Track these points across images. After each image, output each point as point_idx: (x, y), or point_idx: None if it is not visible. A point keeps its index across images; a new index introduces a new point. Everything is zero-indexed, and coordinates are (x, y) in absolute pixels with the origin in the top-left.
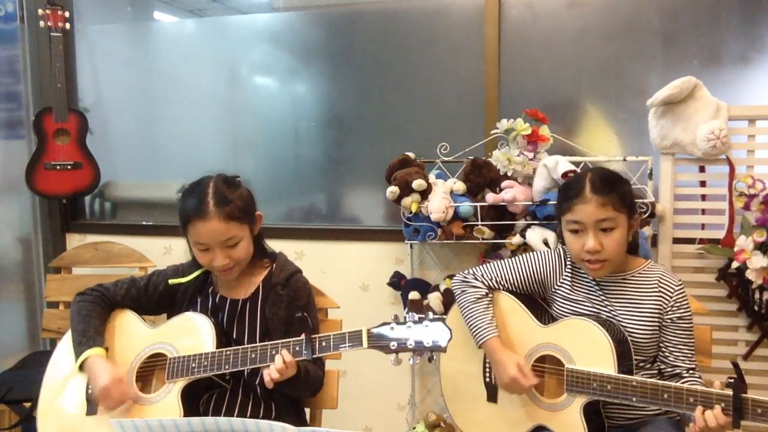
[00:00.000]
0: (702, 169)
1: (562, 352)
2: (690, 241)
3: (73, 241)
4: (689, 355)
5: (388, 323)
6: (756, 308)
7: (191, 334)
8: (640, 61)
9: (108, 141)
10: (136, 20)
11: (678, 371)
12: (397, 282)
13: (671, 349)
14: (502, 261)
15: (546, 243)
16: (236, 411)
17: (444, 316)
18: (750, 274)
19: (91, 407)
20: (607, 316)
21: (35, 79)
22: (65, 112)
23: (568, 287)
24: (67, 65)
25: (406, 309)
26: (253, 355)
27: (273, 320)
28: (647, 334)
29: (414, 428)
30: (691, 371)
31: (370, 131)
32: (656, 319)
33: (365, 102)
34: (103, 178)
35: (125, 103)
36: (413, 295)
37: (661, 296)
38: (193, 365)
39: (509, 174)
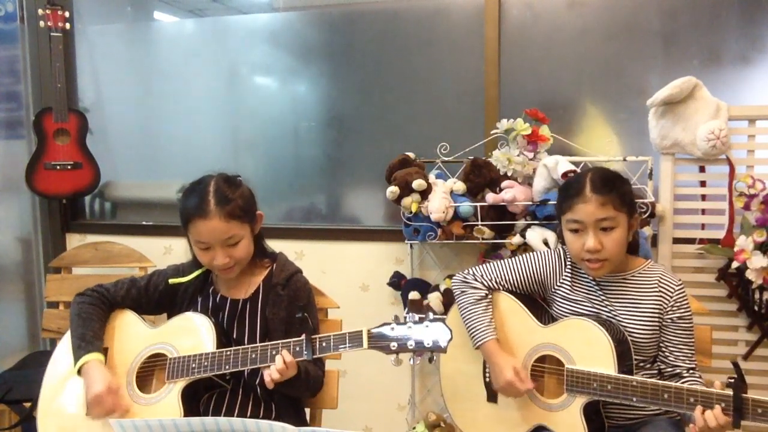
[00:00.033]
0: (702, 169)
1: (562, 352)
2: (690, 241)
3: (73, 241)
4: (689, 355)
5: (389, 323)
6: (756, 308)
7: (191, 334)
8: (640, 61)
9: (108, 141)
10: (136, 20)
11: (678, 371)
12: (397, 282)
13: (671, 349)
14: (501, 261)
15: (546, 243)
16: (236, 411)
17: (444, 317)
18: (750, 274)
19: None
20: (607, 316)
21: (35, 79)
22: (65, 112)
23: (568, 287)
24: (67, 65)
25: (406, 309)
26: (254, 356)
27: (273, 320)
28: (647, 334)
29: (414, 428)
30: (691, 371)
31: (370, 131)
32: (656, 319)
33: (365, 102)
34: (103, 178)
35: (125, 103)
36: (413, 295)
37: (661, 296)
38: (194, 365)
39: (509, 174)
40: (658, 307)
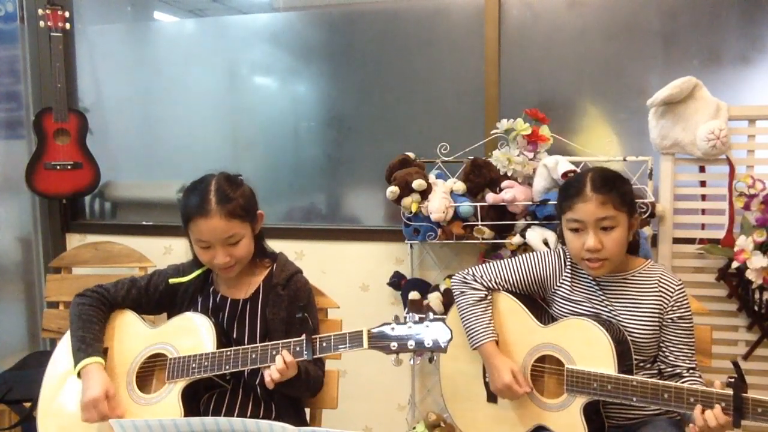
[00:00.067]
0: (702, 169)
1: (562, 352)
2: (690, 241)
3: (73, 241)
4: (689, 355)
5: (389, 323)
6: (756, 308)
7: (191, 334)
8: (640, 61)
9: (108, 141)
10: (136, 20)
11: (678, 371)
12: (397, 282)
13: (671, 348)
14: (501, 261)
15: (546, 243)
16: (236, 411)
17: (444, 317)
18: (750, 274)
19: None
20: (607, 316)
21: (35, 79)
22: (65, 112)
23: (568, 287)
24: (67, 65)
25: (406, 309)
26: (254, 356)
27: (273, 321)
28: (647, 334)
29: (414, 428)
30: (691, 371)
31: (370, 131)
32: (656, 319)
33: (365, 102)
34: (103, 178)
35: (125, 103)
36: (413, 295)
37: (661, 296)
38: (194, 365)
39: (509, 174)
40: (658, 307)
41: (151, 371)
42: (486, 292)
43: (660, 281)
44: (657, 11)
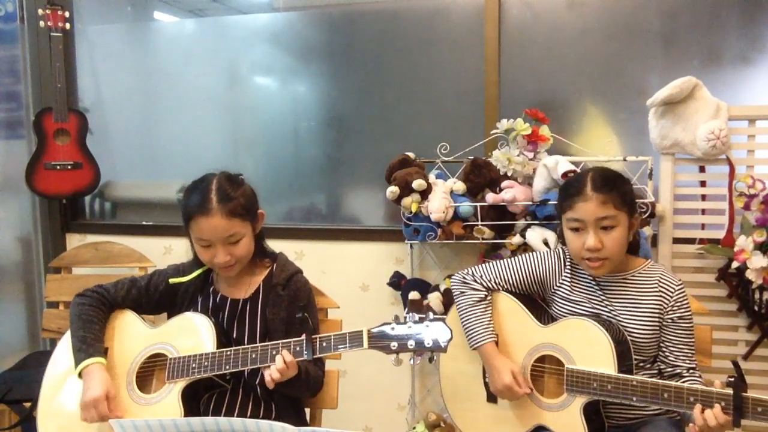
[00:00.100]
0: (702, 169)
1: (562, 352)
2: (690, 241)
3: (73, 241)
4: (689, 355)
5: (389, 323)
6: (756, 308)
7: (191, 334)
8: (640, 61)
9: (108, 141)
10: (136, 20)
11: (678, 371)
12: (397, 282)
13: (671, 348)
14: (501, 261)
15: (546, 243)
16: (236, 411)
17: (444, 316)
18: (750, 274)
19: None
20: (607, 316)
21: (35, 79)
22: (65, 112)
23: (568, 287)
24: (67, 65)
25: (406, 309)
26: (254, 356)
27: (273, 321)
28: (647, 334)
29: (414, 428)
30: (691, 371)
31: (370, 131)
32: (656, 319)
33: (365, 102)
34: (103, 178)
35: (125, 103)
36: (413, 295)
37: (661, 296)
38: (194, 365)
39: (509, 174)
40: (658, 307)
41: (151, 371)
42: (486, 293)
43: (660, 281)
44: (657, 11)
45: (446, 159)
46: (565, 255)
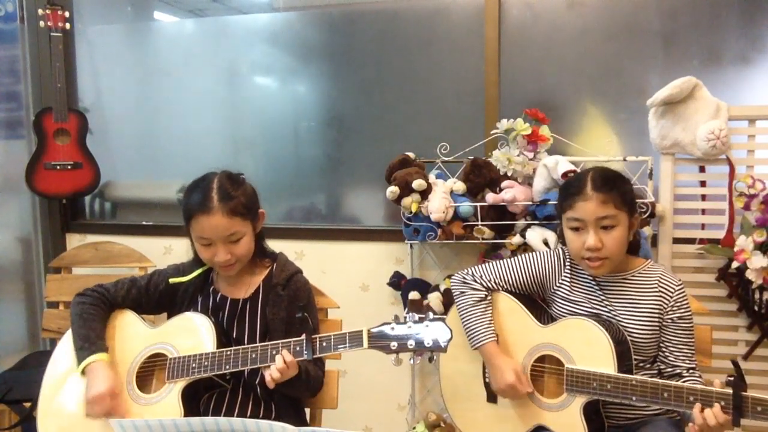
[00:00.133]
0: (702, 169)
1: (561, 352)
2: (690, 241)
3: (73, 241)
4: (689, 355)
5: (389, 323)
6: (756, 308)
7: (191, 334)
8: (640, 61)
9: (108, 141)
10: (136, 20)
11: (678, 371)
12: (397, 282)
13: (671, 349)
14: (501, 261)
15: (546, 243)
16: (236, 411)
17: (444, 316)
18: (750, 274)
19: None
20: (607, 316)
21: (35, 79)
22: (65, 112)
23: (568, 287)
24: (67, 65)
25: (406, 309)
26: (254, 356)
27: (273, 320)
28: (647, 334)
29: (414, 428)
30: (691, 371)
31: (370, 131)
32: (656, 319)
33: (365, 102)
34: (103, 178)
35: (125, 103)
36: (413, 295)
37: (661, 296)
38: (194, 365)
39: (509, 174)
40: (658, 307)
41: (151, 371)
42: (486, 292)
43: (660, 281)
44: (657, 11)
45: (446, 159)
46: (564, 255)
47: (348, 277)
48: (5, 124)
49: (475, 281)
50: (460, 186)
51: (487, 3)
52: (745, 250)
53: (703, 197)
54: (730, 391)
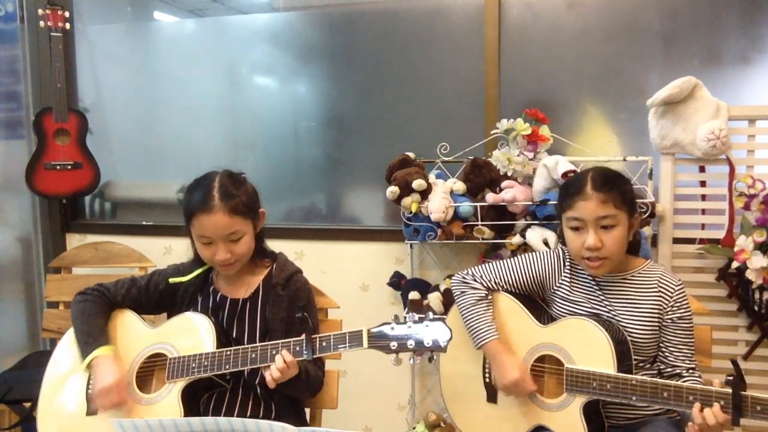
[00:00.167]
0: (702, 169)
1: (561, 352)
2: (690, 241)
3: (73, 241)
4: (689, 355)
5: (388, 323)
6: (756, 308)
7: (191, 334)
8: (640, 61)
9: (108, 141)
10: (136, 20)
11: (678, 371)
12: (397, 282)
13: (671, 349)
14: (501, 261)
15: (546, 243)
16: (236, 411)
17: (444, 316)
18: (750, 274)
19: (91, 407)
20: (607, 316)
21: (35, 79)
22: (65, 112)
23: (567, 288)
24: (67, 65)
25: (406, 309)
26: (254, 355)
27: (273, 320)
28: (647, 334)
29: (414, 428)
30: (690, 371)
31: (370, 131)
32: (656, 319)
33: (365, 102)
34: (103, 178)
35: (125, 103)
36: (413, 295)
37: (661, 296)
38: (193, 365)
39: (509, 174)
40: (657, 307)
41: (151, 371)
42: (486, 292)
43: (660, 281)
44: (657, 11)
45: (446, 159)
46: (564, 255)
47: (348, 277)
48: (5, 124)
49: (476, 281)
50: (460, 186)
51: (487, 3)
52: (745, 250)
53: (703, 197)
54: (729, 390)
